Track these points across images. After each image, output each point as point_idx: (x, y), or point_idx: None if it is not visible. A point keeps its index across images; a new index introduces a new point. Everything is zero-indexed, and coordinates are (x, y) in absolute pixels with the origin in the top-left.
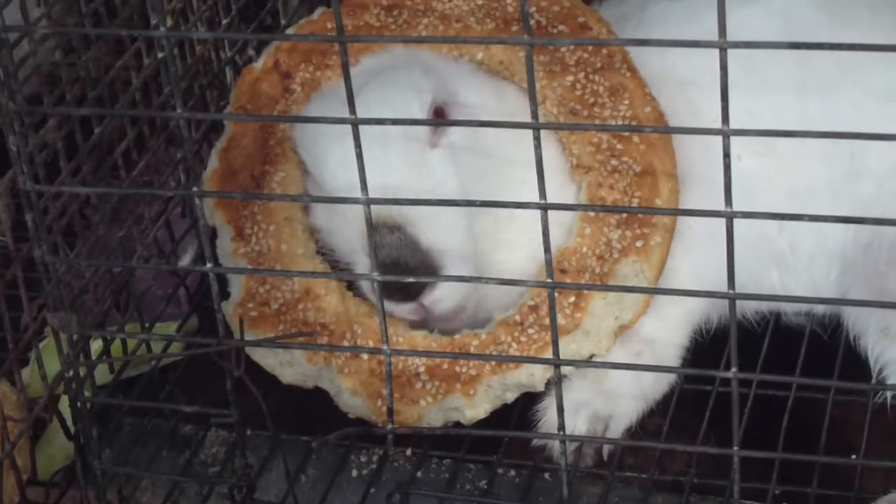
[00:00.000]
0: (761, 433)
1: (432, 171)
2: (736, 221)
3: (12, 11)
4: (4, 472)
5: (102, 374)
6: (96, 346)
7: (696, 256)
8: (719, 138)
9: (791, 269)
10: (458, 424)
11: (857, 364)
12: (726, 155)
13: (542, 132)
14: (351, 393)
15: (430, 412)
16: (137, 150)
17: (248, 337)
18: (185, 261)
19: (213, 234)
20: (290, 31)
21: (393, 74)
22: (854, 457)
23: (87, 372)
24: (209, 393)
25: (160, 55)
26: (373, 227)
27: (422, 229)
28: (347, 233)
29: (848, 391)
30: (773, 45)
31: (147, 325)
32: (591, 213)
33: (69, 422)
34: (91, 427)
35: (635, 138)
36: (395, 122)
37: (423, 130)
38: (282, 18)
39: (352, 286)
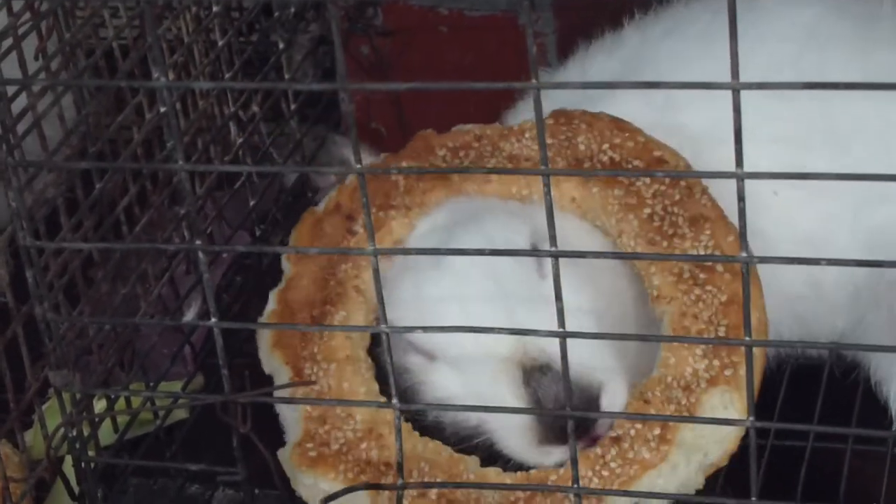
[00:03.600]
0: (779, 485)
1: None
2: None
3: (11, 66)
4: None
5: (107, 435)
6: (100, 406)
7: None
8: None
9: (821, 295)
10: None
11: (877, 411)
12: (741, 199)
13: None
14: None
15: None
16: (140, 206)
17: (305, 479)
18: (189, 317)
19: (218, 292)
20: (331, 191)
21: (489, 216)
22: None
23: (91, 431)
24: (216, 452)
25: (162, 109)
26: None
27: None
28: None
29: (867, 441)
30: (787, 85)
31: (152, 383)
32: (675, 343)
33: (73, 482)
34: (96, 488)
35: (719, 267)
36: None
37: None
38: (286, 73)
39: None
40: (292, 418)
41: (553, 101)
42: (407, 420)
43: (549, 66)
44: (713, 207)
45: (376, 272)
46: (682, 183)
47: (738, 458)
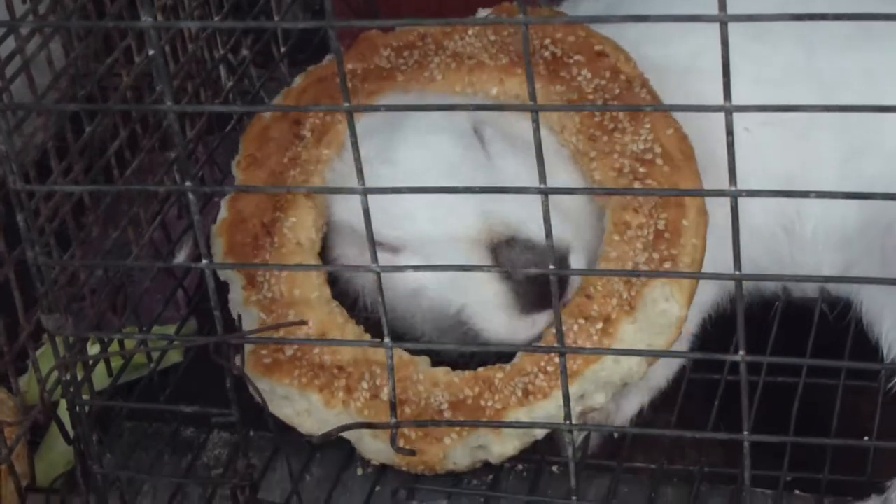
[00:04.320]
0: (771, 421)
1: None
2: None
3: None
4: (2, 478)
5: (101, 379)
6: (94, 350)
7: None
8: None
9: (799, 241)
10: (486, 464)
11: (867, 352)
12: (729, 132)
13: (564, 158)
14: (371, 437)
15: (455, 450)
16: (131, 150)
17: (261, 385)
18: (180, 260)
19: (209, 235)
20: (297, 78)
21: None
22: (866, 439)
23: (85, 374)
24: (210, 396)
25: (151, 52)
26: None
27: (536, 231)
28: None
29: (859, 376)
30: (775, 17)
31: (145, 327)
32: (616, 237)
33: (67, 426)
34: (91, 432)
35: (658, 160)
36: (388, 108)
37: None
38: (275, 16)
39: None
40: (248, 323)
41: None
42: (362, 322)
43: (539, 6)
44: (653, 101)
45: (366, 213)
46: (622, 77)
47: (732, 396)
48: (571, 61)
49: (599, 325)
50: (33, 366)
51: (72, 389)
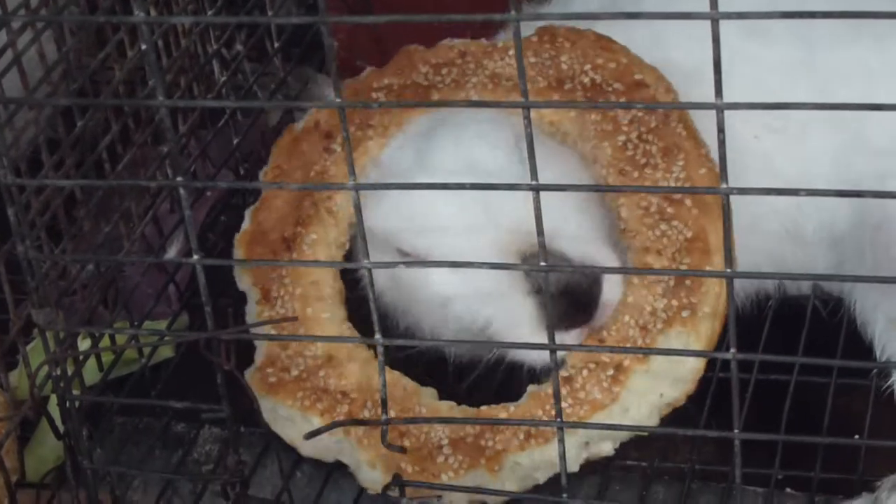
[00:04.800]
0: (763, 419)
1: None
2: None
3: None
4: None
5: (91, 374)
6: (84, 345)
7: None
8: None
9: (799, 241)
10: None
11: (859, 352)
12: (720, 130)
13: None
14: (369, 466)
15: (456, 483)
16: (123, 144)
17: (264, 403)
18: (172, 255)
19: (201, 229)
20: (310, 110)
21: (468, 117)
22: (858, 437)
23: (75, 369)
24: (201, 391)
25: (143, 47)
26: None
27: (568, 246)
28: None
29: (851, 374)
30: (766, 15)
31: (136, 322)
32: (635, 280)
33: (58, 421)
34: (81, 427)
35: (687, 201)
36: (381, 104)
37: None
38: (268, 11)
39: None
40: (259, 342)
41: None
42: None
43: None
44: (688, 137)
45: (357, 208)
46: (660, 110)
47: (724, 393)
48: (610, 90)
49: (610, 372)
50: (23, 360)
51: (62, 384)
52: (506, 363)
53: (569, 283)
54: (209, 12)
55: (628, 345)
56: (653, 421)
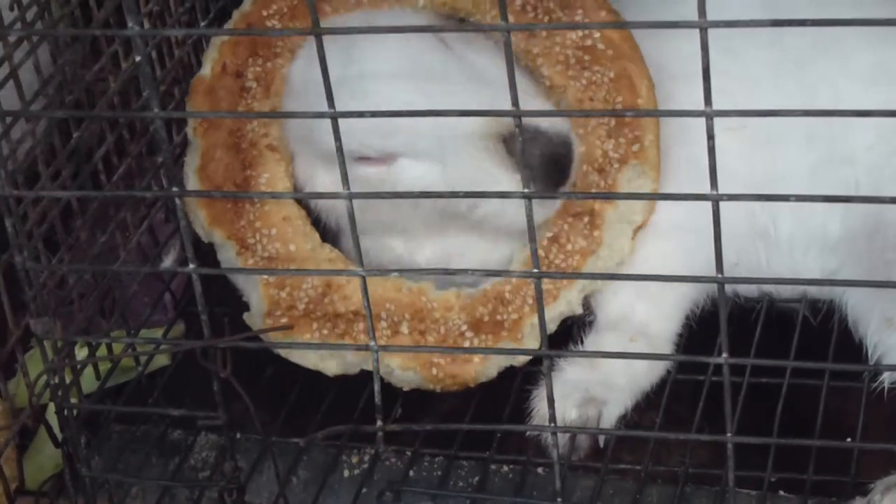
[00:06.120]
0: (756, 422)
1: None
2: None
3: None
4: None
5: (89, 383)
6: (82, 354)
7: (674, 243)
8: (699, 123)
9: (775, 246)
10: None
11: (850, 353)
12: (710, 137)
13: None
14: (401, 369)
15: (485, 367)
16: (118, 155)
17: (281, 344)
18: (167, 264)
19: (196, 239)
20: (210, 52)
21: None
22: (850, 439)
23: (73, 377)
24: (197, 398)
25: (137, 58)
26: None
27: (540, 121)
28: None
29: (843, 377)
30: (754, 23)
31: (133, 331)
32: (580, 130)
33: (56, 429)
34: (79, 435)
35: (600, 45)
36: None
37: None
38: None
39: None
40: (249, 286)
41: None
42: None
43: None
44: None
45: (351, 217)
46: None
47: (717, 396)
48: None
49: (586, 219)
50: (22, 369)
51: (60, 393)
52: None
53: (551, 154)
54: (202, 23)
55: (593, 190)
56: (632, 245)
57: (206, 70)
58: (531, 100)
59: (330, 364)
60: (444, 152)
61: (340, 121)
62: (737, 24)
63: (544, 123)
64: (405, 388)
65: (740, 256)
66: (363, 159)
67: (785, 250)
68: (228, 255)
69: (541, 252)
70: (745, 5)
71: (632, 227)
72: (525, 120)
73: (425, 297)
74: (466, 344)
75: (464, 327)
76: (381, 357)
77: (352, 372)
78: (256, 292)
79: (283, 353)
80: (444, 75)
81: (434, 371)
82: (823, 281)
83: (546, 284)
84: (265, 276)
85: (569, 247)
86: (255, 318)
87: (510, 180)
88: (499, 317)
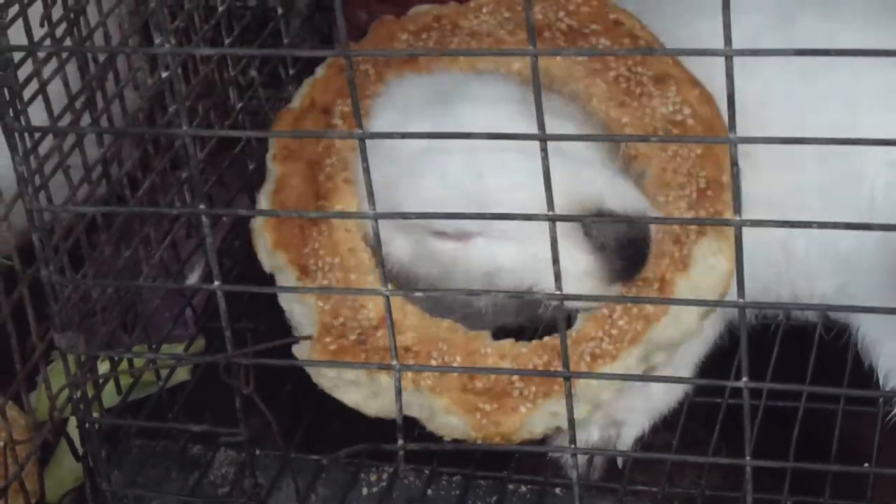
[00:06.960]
0: (772, 445)
1: None
2: None
3: (17, 33)
4: (12, 495)
5: (110, 397)
6: (103, 368)
7: None
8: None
9: (793, 260)
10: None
11: (866, 373)
12: (734, 163)
13: (597, 128)
14: (445, 412)
15: (531, 419)
16: (142, 171)
17: (329, 372)
18: (192, 280)
19: (220, 255)
20: (319, 69)
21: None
22: (866, 465)
23: (95, 392)
24: (218, 414)
25: (164, 74)
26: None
27: (619, 204)
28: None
29: (859, 402)
30: (779, 52)
31: (154, 346)
32: (660, 199)
33: (77, 443)
34: (99, 449)
35: (690, 121)
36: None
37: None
38: (284, 38)
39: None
40: (303, 314)
41: None
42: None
43: None
44: (675, 65)
45: (377, 235)
46: (641, 42)
47: (733, 419)
48: (588, 31)
49: (656, 286)
50: (44, 383)
51: (82, 407)
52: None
53: (625, 239)
54: (226, 40)
55: (666, 259)
56: (701, 326)
57: (296, 103)
58: (607, 172)
59: (372, 404)
60: (524, 233)
61: (425, 192)
62: (761, 52)
63: (621, 206)
64: (445, 437)
65: (759, 273)
66: (440, 234)
67: (801, 265)
68: (287, 280)
69: (605, 310)
70: (756, 8)
71: (704, 308)
72: (605, 203)
73: (481, 342)
74: (515, 394)
75: (514, 377)
76: (426, 398)
77: (391, 416)
78: (311, 320)
79: (326, 386)
80: (528, 145)
81: (478, 416)
82: (843, 307)
83: (606, 345)
84: (321, 304)
85: (634, 310)
86: (303, 350)
87: (587, 261)
88: (551, 370)
